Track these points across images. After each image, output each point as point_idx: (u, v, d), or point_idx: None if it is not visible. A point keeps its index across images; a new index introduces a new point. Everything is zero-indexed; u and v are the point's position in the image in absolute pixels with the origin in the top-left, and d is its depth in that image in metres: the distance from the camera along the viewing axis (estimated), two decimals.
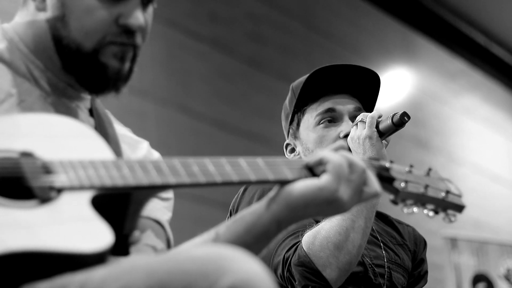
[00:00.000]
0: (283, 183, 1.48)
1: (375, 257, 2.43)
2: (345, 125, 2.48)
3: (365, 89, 2.57)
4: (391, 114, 2.34)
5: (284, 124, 2.62)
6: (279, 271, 2.28)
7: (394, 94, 8.01)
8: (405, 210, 1.59)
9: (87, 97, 1.64)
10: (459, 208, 1.64)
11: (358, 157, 1.53)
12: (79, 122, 1.49)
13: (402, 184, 1.57)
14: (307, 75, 2.51)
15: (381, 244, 2.49)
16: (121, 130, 1.72)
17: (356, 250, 2.19)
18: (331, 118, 2.50)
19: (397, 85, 8.24)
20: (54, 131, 1.43)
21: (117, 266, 1.19)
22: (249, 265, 1.14)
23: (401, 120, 2.32)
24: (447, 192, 1.62)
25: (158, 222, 1.63)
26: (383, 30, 8.32)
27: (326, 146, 2.43)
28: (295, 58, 7.01)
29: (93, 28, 1.51)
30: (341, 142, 2.42)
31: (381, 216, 2.64)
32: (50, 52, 1.56)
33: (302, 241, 2.24)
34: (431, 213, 1.62)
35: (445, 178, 1.68)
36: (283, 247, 2.28)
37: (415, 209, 1.60)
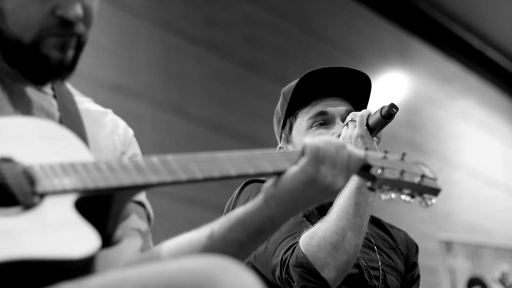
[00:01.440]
0: (264, 176, 1.49)
1: (369, 260, 2.43)
2: (337, 127, 2.48)
3: (357, 92, 2.58)
4: (379, 108, 2.35)
5: (276, 128, 2.63)
6: (277, 273, 2.28)
7: (390, 98, 8.01)
8: (383, 196, 1.59)
9: None
10: (435, 191, 1.63)
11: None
12: (55, 124, 1.47)
13: (379, 171, 1.57)
14: (298, 79, 2.52)
15: (375, 247, 2.50)
16: (84, 104, 1.68)
17: (354, 249, 2.20)
18: (323, 121, 2.51)
19: (393, 89, 8.25)
20: (31, 134, 1.40)
21: (110, 276, 1.18)
22: (242, 277, 1.13)
23: (389, 112, 2.32)
24: (423, 176, 1.62)
25: (138, 202, 1.62)
26: (379, 34, 8.33)
27: None
28: (291, 62, 7.02)
29: (29, 22, 1.45)
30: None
31: (373, 220, 2.64)
32: None
33: (300, 242, 2.24)
34: (407, 198, 1.61)
35: (419, 162, 1.68)
36: (281, 249, 2.29)
37: (392, 195, 1.59)
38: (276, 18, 7.11)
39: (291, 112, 2.56)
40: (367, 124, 2.36)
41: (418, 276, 2.62)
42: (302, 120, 2.54)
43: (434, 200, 1.64)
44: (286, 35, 7.18)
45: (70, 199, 1.29)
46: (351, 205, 2.23)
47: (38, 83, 1.55)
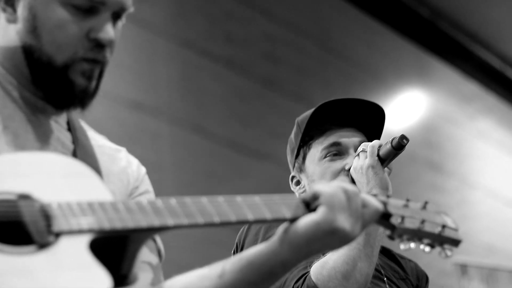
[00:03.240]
0: (281, 221, 1.48)
1: None
2: (350, 158, 2.49)
3: (370, 123, 2.60)
4: (390, 139, 2.37)
5: (290, 158, 2.65)
6: None
7: (408, 117, 8.00)
8: (402, 246, 1.57)
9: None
10: (456, 242, 1.61)
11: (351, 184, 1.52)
12: (76, 160, 1.49)
13: (399, 220, 1.55)
14: (312, 109, 2.54)
15: (385, 278, 2.50)
16: (98, 140, 1.71)
17: (364, 279, 2.20)
18: (337, 152, 2.52)
19: (411, 108, 8.24)
20: (51, 170, 1.41)
21: None
22: None
23: (400, 143, 2.34)
24: (444, 226, 1.60)
25: None
26: (398, 52, 8.34)
27: (329, 178, 2.45)
28: (310, 79, 7.04)
29: (65, 43, 1.50)
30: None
31: (384, 251, 2.65)
32: (20, 66, 1.54)
33: (311, 271, 2.25)
34: (427, 248, 1.59)
35: (441, 211, 1.66)
36: (292, 279, 2.30)
37: (412, 245, 1.58)
38: (295, 36, 7.14)
39: (305, 142, 2.58)
40: (378, 155, 2.37)
41: None
42: (316, 150, 2.55)
43: (454, 250, 1.62)
44: (305, 52, 7.20)
45: (86, 239, 1.30)
46: (362, 235, 2.23)
47: (60, 107, 1.58)
